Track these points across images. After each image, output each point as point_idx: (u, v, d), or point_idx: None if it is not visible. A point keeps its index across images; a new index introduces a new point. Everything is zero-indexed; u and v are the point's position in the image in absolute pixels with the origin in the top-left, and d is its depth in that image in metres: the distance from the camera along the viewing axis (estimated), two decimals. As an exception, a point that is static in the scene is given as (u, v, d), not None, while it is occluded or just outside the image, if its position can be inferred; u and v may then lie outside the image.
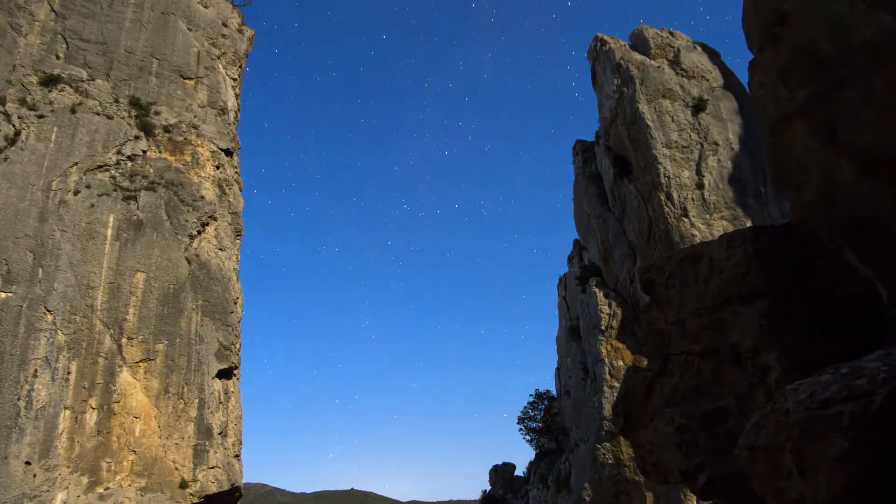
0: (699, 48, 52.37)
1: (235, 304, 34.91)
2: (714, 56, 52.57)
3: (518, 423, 55.20)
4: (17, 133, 31.10)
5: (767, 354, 6.51)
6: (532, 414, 54.70)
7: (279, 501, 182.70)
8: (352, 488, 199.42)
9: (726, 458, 6.38)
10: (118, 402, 29.03)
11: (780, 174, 7.13)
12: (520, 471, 58.25)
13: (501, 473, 58.11)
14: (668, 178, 44.17)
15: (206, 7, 42.23)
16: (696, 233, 43.28)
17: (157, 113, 36.41)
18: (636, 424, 7.67)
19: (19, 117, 31.66)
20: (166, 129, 36.14)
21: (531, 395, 57.08)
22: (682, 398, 7.01)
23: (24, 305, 28.18)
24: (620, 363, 44.16)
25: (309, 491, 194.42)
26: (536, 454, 52.23)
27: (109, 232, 31.59)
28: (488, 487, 59.67)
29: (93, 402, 28.45)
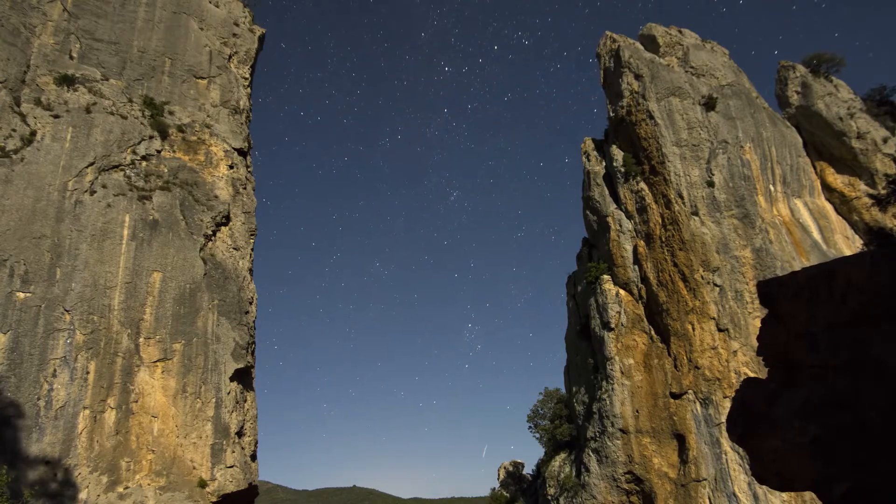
0: (708, 46, 52.39)
1: (251, 303, 34.98)
2: (723, 54, 52.59)
3: (528, 420, 55.48)
4: (33, 133, 31.09)
5: (915, 371, 6.58)
6: (542, 411, 54.94)
7: (280, 498, 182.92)
8: (353, 485, 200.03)
9: (869, 470, 6.45)
10: (136, 402, 29.12)
11: None
12: (529, 468, 58.48)
13: (510, 471, 58.30)
14: (679, 176, 44.20)
15: (217, 6, 42.19)
16: (707, 231, 43.35)
17: (170, 112, 36.43)
18: (756, 433, 7.79)
19: (34, 117, 31.65)
20: (180, 129, 36.16)
21: (541, 392, 57.39)
22: (815, 410, 7.10)
23: (43, 306, 28.24)
24: (630, 361, 44.20)
25: (311, 488, 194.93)
26: (546, 451, 52.43)
27: (125, 232, 31.63)
28: (496, 485, 59.91)
29: (111, 401, 28.54)
